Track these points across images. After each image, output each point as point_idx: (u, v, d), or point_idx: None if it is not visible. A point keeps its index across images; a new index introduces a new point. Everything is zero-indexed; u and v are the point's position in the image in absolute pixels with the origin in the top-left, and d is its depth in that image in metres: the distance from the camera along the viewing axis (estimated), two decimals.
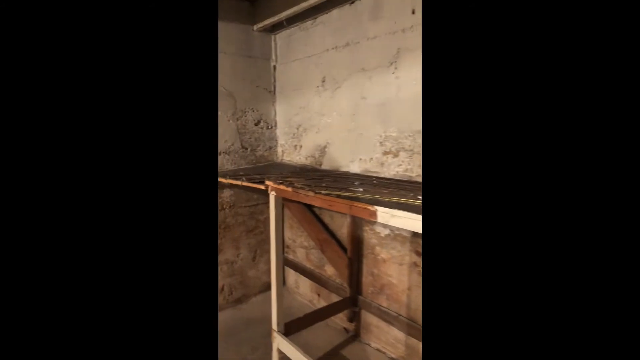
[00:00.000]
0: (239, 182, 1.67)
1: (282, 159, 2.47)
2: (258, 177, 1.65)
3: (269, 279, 2.55)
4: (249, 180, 1.62)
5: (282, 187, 1.39)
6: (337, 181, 1.49)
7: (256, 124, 2.37)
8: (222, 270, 2.30)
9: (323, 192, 1.22)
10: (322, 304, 2.23)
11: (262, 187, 1.50)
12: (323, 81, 2.04)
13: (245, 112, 2.30)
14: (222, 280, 2.31)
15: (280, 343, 1.54)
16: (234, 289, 2.37)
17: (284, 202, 2.51)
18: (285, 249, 2.55)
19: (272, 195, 1.46)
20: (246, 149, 2.33)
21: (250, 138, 2.34)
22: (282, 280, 2.58)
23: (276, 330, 1.54)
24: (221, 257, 2.28)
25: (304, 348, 1.46)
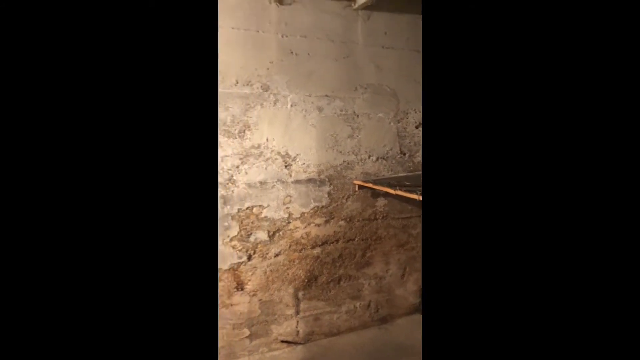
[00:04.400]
0: (415, 196, 1.43)
1: None
2: None
3: (417, 300, 2.27)
4: None
5: None
6: None
7: (417, 127, 2.10)
8: (370, 285, 2.12)
9: None
10: None
11: None
12: None
13: (407, 113, 2.06)
14: (369, 296, 2.13)
15: None
16: (380, 307, 2.17)
17: None
18: None
19: None
20: (404, 154, 2.09)
21: (409, 142, 2.09)
22: None
23: None
24: (370, 271, 2.10)
25: None
